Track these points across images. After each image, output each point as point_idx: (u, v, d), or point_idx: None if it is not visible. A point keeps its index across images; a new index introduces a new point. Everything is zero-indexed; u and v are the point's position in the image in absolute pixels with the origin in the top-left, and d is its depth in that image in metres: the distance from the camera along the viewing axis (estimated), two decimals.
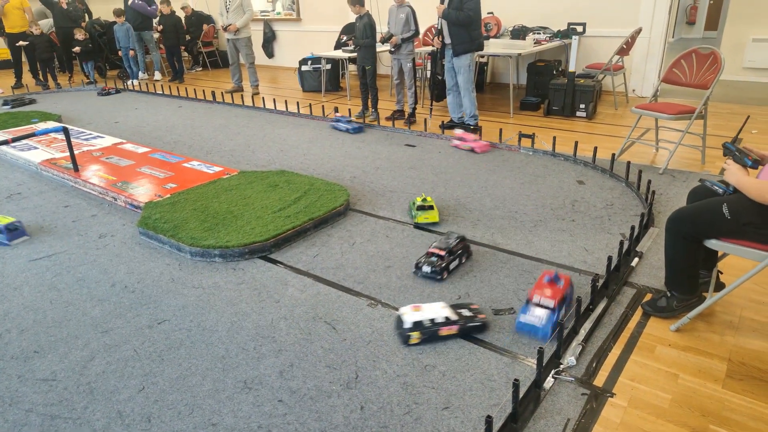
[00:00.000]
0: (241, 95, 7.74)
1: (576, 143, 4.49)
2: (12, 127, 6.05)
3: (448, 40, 5.17)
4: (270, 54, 10.81)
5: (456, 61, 5.20)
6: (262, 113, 6.72)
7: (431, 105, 5.98)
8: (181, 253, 3.11)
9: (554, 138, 4.67)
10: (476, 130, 5.32)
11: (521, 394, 1.85)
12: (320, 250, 3.11)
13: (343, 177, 4.29)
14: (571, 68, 5.86)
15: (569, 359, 2.09)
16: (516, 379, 1.77)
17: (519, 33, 6.95)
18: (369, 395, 2.01)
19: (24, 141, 5.26)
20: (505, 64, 7.82)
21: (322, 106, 6.50)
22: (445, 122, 5.54)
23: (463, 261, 2.86)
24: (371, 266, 2.90)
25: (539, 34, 6.78)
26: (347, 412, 1.94)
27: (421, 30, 6.55)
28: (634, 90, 6.88)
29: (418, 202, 3.45)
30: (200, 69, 10.81)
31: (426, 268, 2.72)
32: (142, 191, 3.93)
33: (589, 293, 2.41)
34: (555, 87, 6.02)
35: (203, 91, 7.77)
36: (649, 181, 3.64)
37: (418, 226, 3.37)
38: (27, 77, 9.52)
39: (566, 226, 3.30)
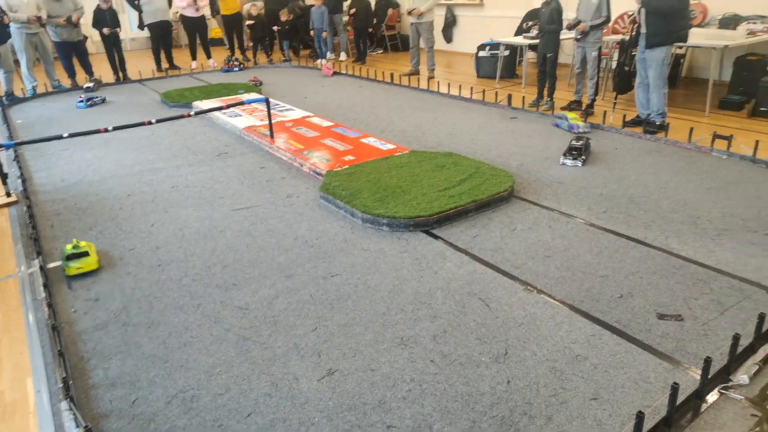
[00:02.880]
0: (418, 78, 8.04)
1: None
2: (224, 95, 7.06)
3: (643, 29, 4.83)
4: (449, 39, 10.99)
5: (648, 54, 4.84)
6: (436, 97, 6.93)
7: (616, 98, 5.65)
8: (353, 219, 3.45)
9: (757, 142, 4.15)
10: (662, 128, 4.92)
11: (679, 400, 1.79)
12: (480, 232, 3.22)
13: (510, 164, 4.31)
14: None
15: (741, 377, 1.95)
16: (675, 383, 1.72)
17: (729, 22, 6.18)
18: (516, 372, 2.09)
19: (233, 108, 6.13)
20: (706, 57, 7.01)
21: (495, 92, 6.51)
22: (628, 118, 5.20)
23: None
24: (530, 254, 2.94)
25: (755, 23, 5.96)
26: (494, 383, 2.04)
27: (613, 17, 6.17)
28: None
29: (68, 250, 2.95)
30: (381, 51, 11.41)
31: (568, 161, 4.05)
32: (324, 160, 4.38)
33: None
34: (767, 84, 5.27)
35: (383, 72, 8.23)
36: None
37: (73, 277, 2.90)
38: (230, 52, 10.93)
39: (758, 239, 2.97)
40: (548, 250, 2.96)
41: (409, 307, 2.52)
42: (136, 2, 9.04)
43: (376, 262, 2.92)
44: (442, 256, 2.96)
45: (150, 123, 4.61)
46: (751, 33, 5.78)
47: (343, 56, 10.52)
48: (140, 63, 10.13)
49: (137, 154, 5.00)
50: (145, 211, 3.71)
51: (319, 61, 9.92)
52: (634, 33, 4.98)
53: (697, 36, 5.85)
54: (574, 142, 4.31)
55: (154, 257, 3.09)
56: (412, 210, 3.33)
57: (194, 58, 9.89)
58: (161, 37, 9.38)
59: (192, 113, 4.96)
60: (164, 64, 9.71)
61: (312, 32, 10.00)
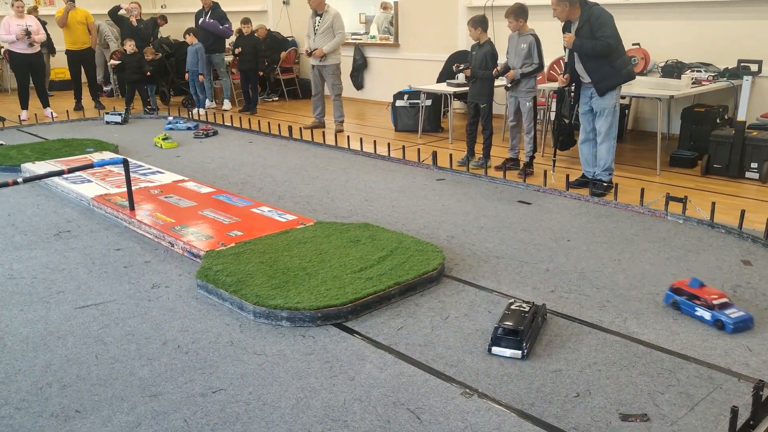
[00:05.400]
0: (323, 132, 8.26)
1: (743, 212, 4.41)
2: (65, 156, 6.86)
3: (586, 79, 5.33)
4: (359, 85, 11.49)
5: (598, 103, 5.32)
6: (346, 154, 7.13)
7: (554, 155, 6.11)
8: (243, 313, 3.38)
9: (713, 204, 4.62)
10: (609, 187, 5.35)
11: None
12: (406, 322, 3.26)
13: (439, 236, 4.46)
14: (741, 116, 5.79)
15: None
16: None
17: (672, 70, 6.98)
18: None
19: (79, 172, 5.94)
20: (652, 108, 7.82)
21: (418, 149, 6.81)
22: (572, 178, 5.62)
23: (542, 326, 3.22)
24: (468, 347, 3.01)
25: (699, 72, 6.77)
26: None
27: (546, 63, 6.78)
28: None
29: None
30: (276, 99, 11.67)
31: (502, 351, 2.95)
32: (203, 238, 4.31)
33: (750, 405, 2.37)
34: (718, 139, 5.94)
35: (278, 125, 8.38)
36: None
37: None
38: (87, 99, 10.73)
39: None
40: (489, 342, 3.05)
41: (318, 427, 2.47)
42: None
43: (273, 370, 2.86)
44: (359, 356, 2.96)
45: None
46: (696, 82, 6.55)
47: (227, 105, 10.63)
48: None
49: None
50: None
51: (196, 110, 9.95)
52: (567, 83, 5.48)
53: (639, 85, 6.54)
54: (508, 316, 3.04)
55: None
56: (320, 298, 3.32)
57: (25, 107, 9.59)
58: None
59: (20, 179, 4.74)
60: None
61: (187, 75, 10.08)
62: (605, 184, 5.41)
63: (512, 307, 3.11)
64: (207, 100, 10.33)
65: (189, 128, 8.68)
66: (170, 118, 9.09)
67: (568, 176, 5.60)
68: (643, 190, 5.05)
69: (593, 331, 3.15)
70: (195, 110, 9.98)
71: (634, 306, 3.40)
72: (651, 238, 4.39)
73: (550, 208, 5.10)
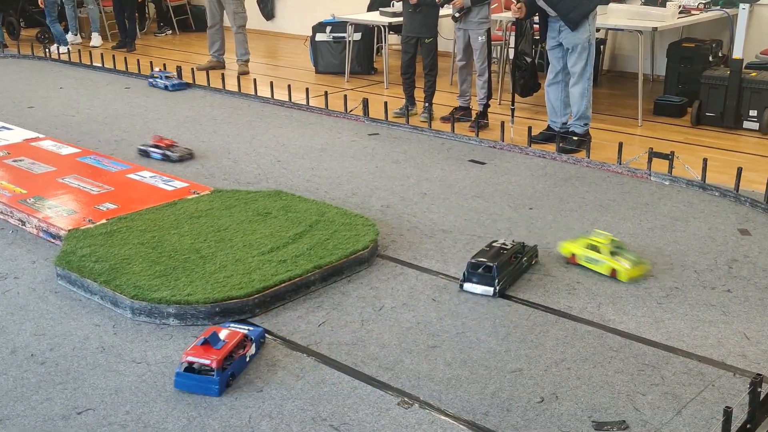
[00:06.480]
0: (222, 74, 8.08)
1: (740, 170, 4.55)
2: None
3: (552, 12, 5.34)
4: (269, 14, 11.29)
5: (569, 38, 5.35)
6: (253, 103, 7.03)
7: (513, 102, 6.14)
8: (117, 310, 3.30)
9: (705, 161, 4.75)
10: (584, 141, 5.43)
11: None
12: (329, 316, 3.24)
13: (371, 205, 4.45)
14: (737, 53, 5.95)
15: None
16: None
17: None
18: None
19: None
20: (632, 43, 7.96)
21: (345, 96, 6.75)
22: (536, 131, 5.67)
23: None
24: (407, 345, 3.01)
25: None
26: None
27: None
28: None
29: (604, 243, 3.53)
30: (169, 32, 11.35)
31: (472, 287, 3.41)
32: (65, 213, 4.19)
33: (747, 405, 2.45)
34: (711, 82, 6.10)
35: (164, 65, 8.18)
36: None
37: None
38: None
39: (717, 298, 3.35)
40: (433, 337, 3.06)
41: None
42: None
43: (158, 383, 2.80)
44: (269, 361, 2.93)
45: None
46: (685, 11, 6.68)
47: (96, 40, 10.33)
48: None
49: None
50: None
51: (55, 46, 9.61)
52: (522, 15, 5.51)
53: (617, 15, 6.62)
54: (485, 252, 3.54)
55: None
56: (218, 288, 3.28)
57: None
58: None
59: None
60: None
61: (42, 2, 9.73)
62: (577, 137, 5.47)
63: (493, 244, 3.58)
64: (69, 34, 9.98)
65: (167, 87, 7.63)
66: (156, 70, 7.89)
67: (530, 129, 5.65)
68: (621, 144, 5.15)
69: (561, 319, 3.19)
70: (54, 47, 9.61)
71: (610, 288, 3.46)
72: (631, 203, 4.49)
73: (508, 168, 5.15)
